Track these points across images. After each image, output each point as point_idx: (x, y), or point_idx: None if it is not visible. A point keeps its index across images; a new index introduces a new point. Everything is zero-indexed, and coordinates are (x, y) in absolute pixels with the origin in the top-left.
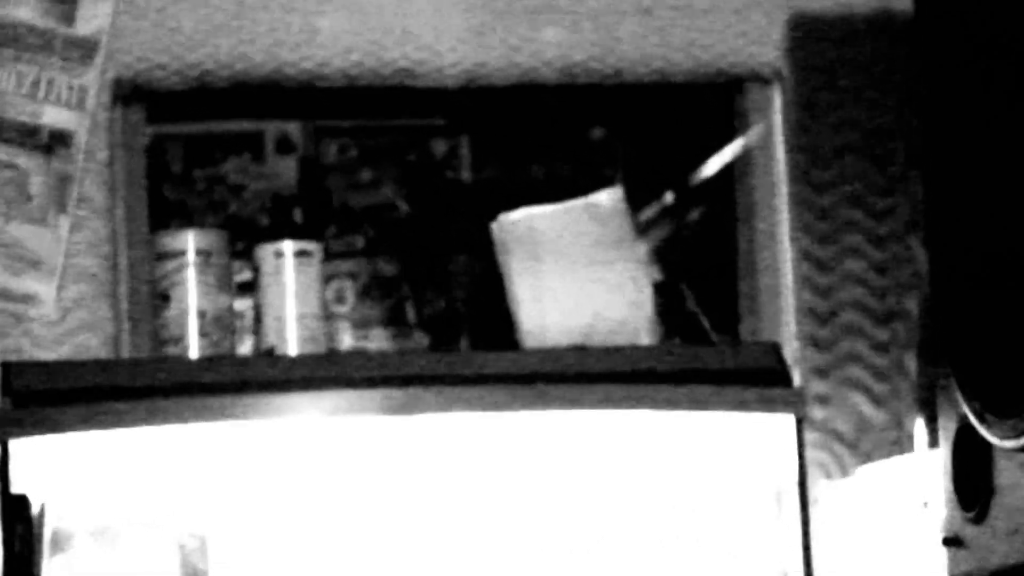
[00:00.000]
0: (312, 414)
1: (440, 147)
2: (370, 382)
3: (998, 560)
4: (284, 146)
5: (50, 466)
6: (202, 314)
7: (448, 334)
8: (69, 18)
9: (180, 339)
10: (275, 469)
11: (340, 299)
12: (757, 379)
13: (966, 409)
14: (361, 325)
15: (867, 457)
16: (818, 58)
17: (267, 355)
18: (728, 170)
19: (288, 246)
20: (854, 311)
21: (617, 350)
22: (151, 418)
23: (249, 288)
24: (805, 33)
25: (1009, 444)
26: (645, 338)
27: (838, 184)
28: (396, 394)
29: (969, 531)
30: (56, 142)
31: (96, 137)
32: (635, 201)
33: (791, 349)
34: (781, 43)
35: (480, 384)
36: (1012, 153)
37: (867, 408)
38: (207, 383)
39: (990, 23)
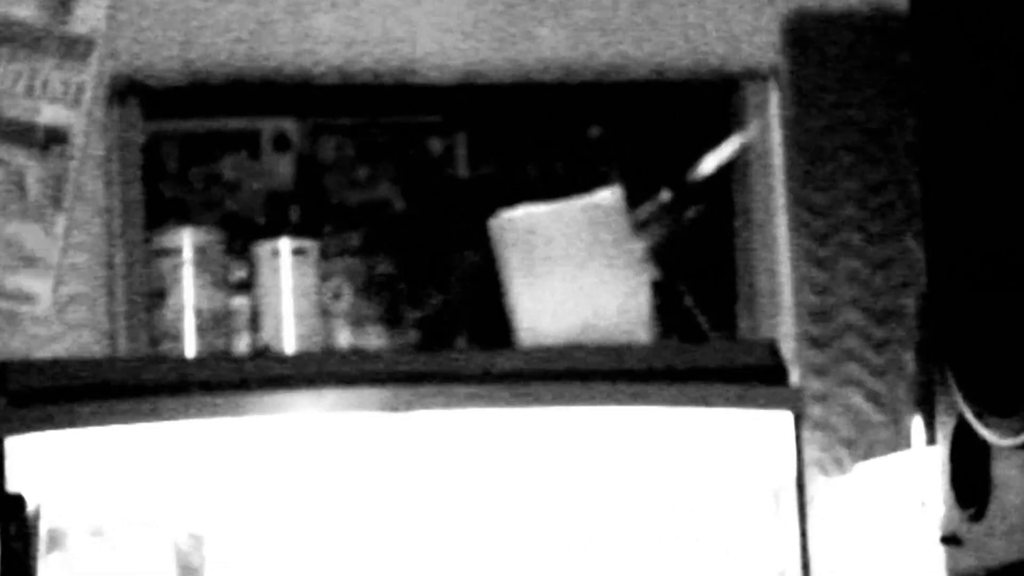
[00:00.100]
0: (308, 412)
1: (437, 145)
2: (366, 380)
3: (996, 558)
4: (281, 144)
5: (46, 465)
6: (199, 312)
7: (444, 332)
8: (65, 15)
9: (176, 337)
10: (271, 467)
11: (337, 297)
12: (755, 377)
13: (964, 407)
14: (358, 323)
15: (865, 455)
16: (815, 56)
17: (263, 353)
18: (725, 168)
19: (285, 244)
20: (852, 309)
21: (615, 348)
22: (147, 416)
23: (246, 286)
24: (802, 30)
25: (1007, 442)
26: (642, 336)
27: (835, 182)
28: (392, 392)
29: (967, 529)
30: (52, 140)
31: (92, 134)
32: (632, 199)
33: (789, 347)
34: (778, 41)
35: (476, 382)
36: (1009, 151)
37: (865, 406)
38: (203, 381)
39: (986, 20)
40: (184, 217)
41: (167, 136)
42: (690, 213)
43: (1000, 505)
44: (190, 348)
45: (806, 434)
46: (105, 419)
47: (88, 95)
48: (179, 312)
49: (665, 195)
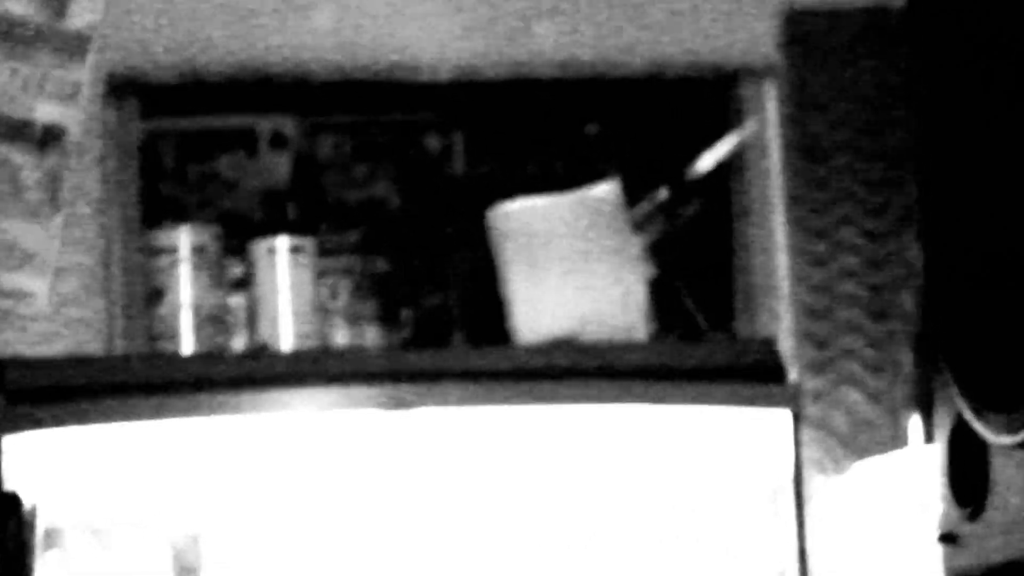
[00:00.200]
0: (306, 410)
1: (434, 143)
2: (363, 378)
3: (994, 557)
4: (278, 142)
5: (43, 463)
6: (196, 310)
7: (441, 330)
8: (61, 12)
9: (173, 335)
10: (269, 465)
11: (334, 295)
12: (752, 375)
13: (962, 405)
14: (354, 321)
15: (862, 453)
16: (813, 53)
17: (260, 351)
18: (723, 165)
19: (282, 242)
20: (849, 307)
21: (612, 346)
22: (144, 414)
23: (243, 284)
24: (800, 28)
25: (1005, 440)
26: (639, 331)
27: (833, 179)
28: (389, 390)
29: (965, 528)
30: (49, 137)
31: (89, 132)
32: (630, 197)
33: (786, 345)
34: (776, 38)
35: (473, 380)
36: (1006, 149)
37: (863, 404)
38: (200, 379)
39: (984, 17)
40: (181, 215)
41: (164, 134)
42: (688, 211)
43: (998, 503)
44: (187, 346)
45: (804, 432)
46: (102, 417)
47: (85, 93)
48: (176, 310)
49: (663, 193)
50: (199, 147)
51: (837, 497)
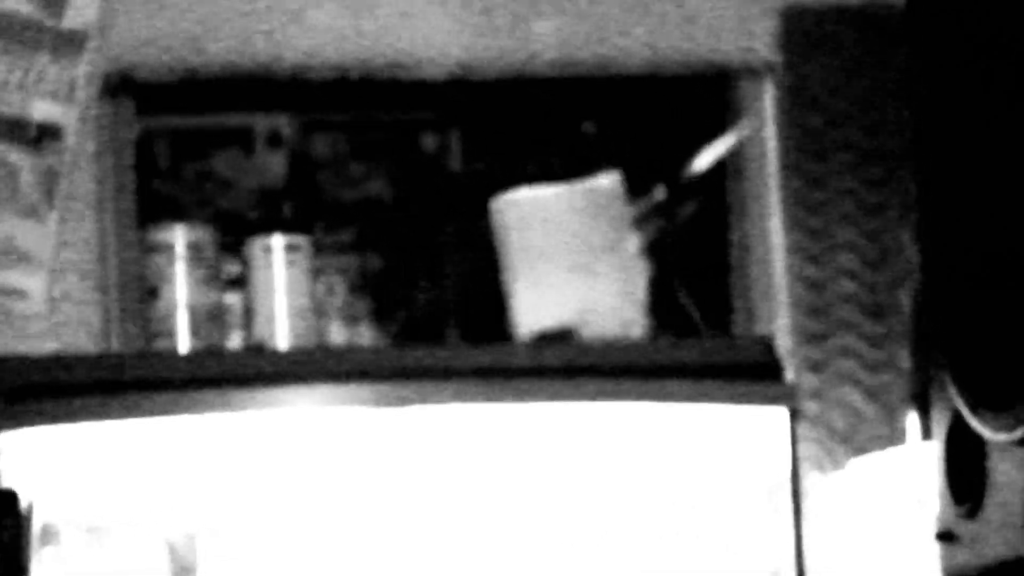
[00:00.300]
0: (302, 408)
1: (430, 141)
2: (359, 375)
3: (991, 555)
4: (274, 140)
5: (40, 461)
6: (191, 308)
7: (437, 328)
8: (58, 10)
9: (170, 333)
10: (265, 463)
11: (329, 293)
12: (750, 373)
13: (959, 402)
14: (350, 319)
15: (860, 451)
16: (811, 51)
17: (256, 349)
18: (721, 164)
19: (277, 240)
20: (847, 305)
21: (609, 343)
22: (141, 412)
23: (239, 282)
24: (798, 26)
25: (1002, 437)
26: (638, 326)
27: (830, 178)
28: (385, 387)
29: (962, 526)
30: (45, 136)
31: (85, 131)
32: (627, 195)
33: (784, 343)
34: (774, 36)
35: (469, 377)
36: (1004, 147)
37: (860, 402)
38: (196, 377)
39: (983, 16)
40: (177, 213)
41: (160, 132)
42: (685, 209)
43: (996, 501)
44: (183, 344)
45: (801, 430)
46: (98, 415)
47: (81, 90)
48: (172, 308)
49: (660, 191)
50: (195, 145)
51: (834, 494)
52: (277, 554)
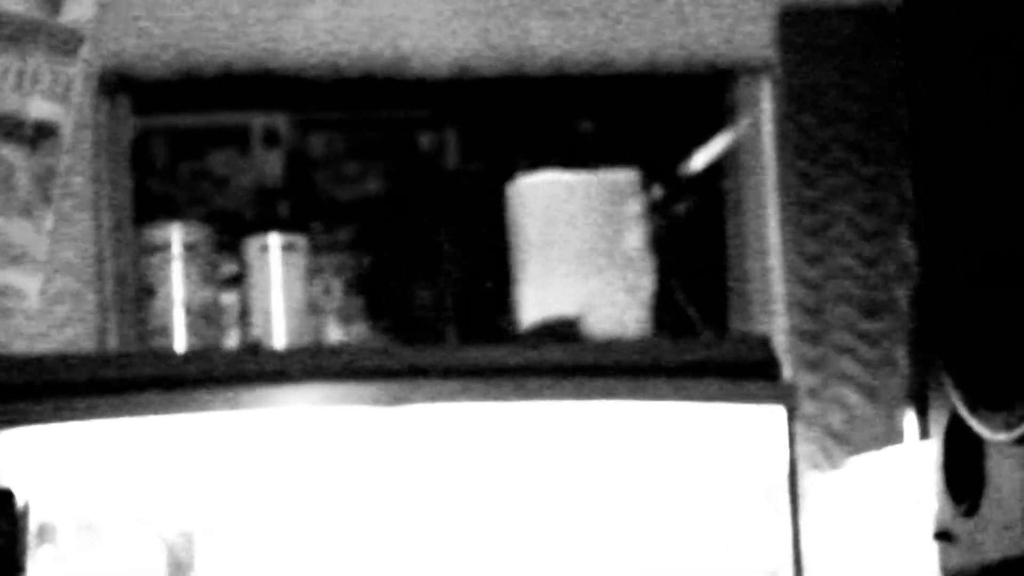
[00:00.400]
0: (298, 407)
1: (427, 140)
2: (356, 374)
3: (989, 554)
4: (270, 139)
5: (36, 459)
6: (188, 307)
7: (433, 326)
8: (55, 9)
9: (166, 332)
10: (262, 462)
11: (326, 292)
12: (747, 372)
13: (957, 402)
14: (347, 318)
15: (857, 450)
16: (808, 50)
17: (253, 348)
18: (717, 163)
19: (274, 239)
20: (844, 304)
21: (606, 342)
22: (137, 411)
23: (235, 281)
24: (796, 25)
25: (1000, 437)
26: (642, 323)
27: (827, 176)
28: (382, 386)
29: (960, 525)
30: (41, 134)
31: (81, 129)
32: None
33: (781, 342)
34: (771, 34)
35: (466, 376)
36: (1002, 146)
37: (857, 401)
38: (193, 376)
39: (979, 14)
40: (173, 212)
41: (156, 131)
42: (682, 207)
43: (994, 500)
44: (179, 343)
45: (799, 429)
46: (95, 414)
47: (77, 89)
48: (168, 307)
49: (657, 190)
50: (191, 144)
51: (832, 493)
52: (274, 553)
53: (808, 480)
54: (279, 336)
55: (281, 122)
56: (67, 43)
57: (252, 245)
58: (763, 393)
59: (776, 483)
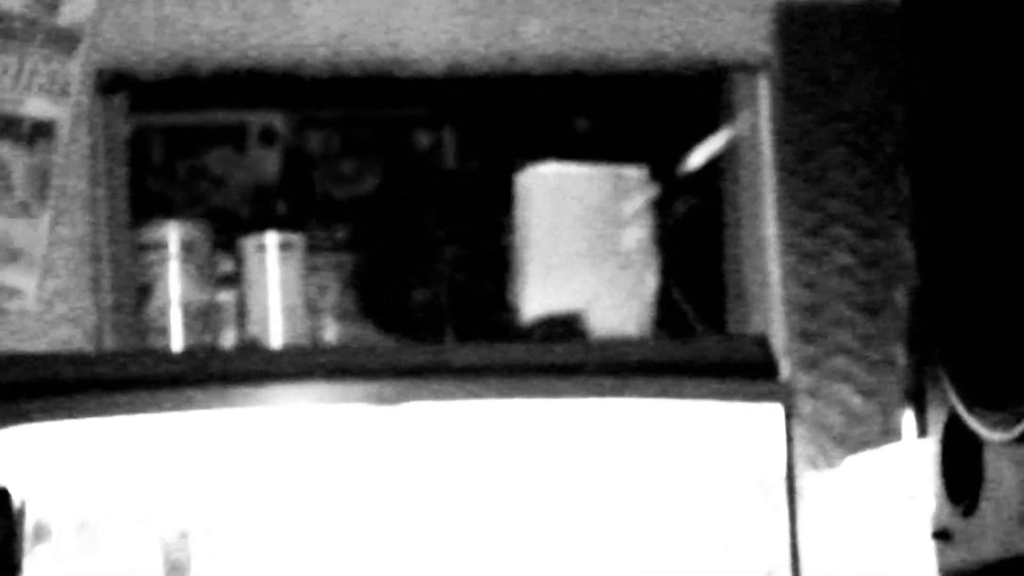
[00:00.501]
0: (296, 406)
1: (424, 138)
2: (354, 373)
3: (987, 554)
4: (267, 137)
5: (33, 459)
6: (185, 306)
7: (431, 325)
8: (53, 7)
9: (162, 331)
10: (259, 462)
11: (323, 291)
12: (745, 371)
13: (955, 401)
14: (344, 317)
15: (855, 449)
16: (806, 48)
17: (250, 347)
18: (715, 161)
19: (271, 238)
20: (842, 302)
21: (604, 341)
22: (133, 410)
23: (232, 280)
24: (793, 22)
25: (999, 436)
26: (644, 320)
27: (826, 175)
28: (380, 385)
29: (958, 524)
30: (38, 133)
31: (78, 128)
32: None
33: (778, 341)
34: (769, 32)
35: (464, 375)
36: (1000, 145)
37: (855, 400)
38: (190, 375)
39: (978, 13)
40: (170, 211)
41: (153, 129)
42: (679, 206)
43: (992, 500)
44: (176, 342)
45: (796, 428)
46: (91, 413)
47: (74, 88)
48: (165, 306)
49: (654, 188)
50: (188, 142)
51: (830, 492)
52: (271, 552)
53: (806, 479)
54: (276, 335)
55: (278, 121)
56: (65, 41)
57: (249, 244)
58: (760, 392)
59: (774, 482)
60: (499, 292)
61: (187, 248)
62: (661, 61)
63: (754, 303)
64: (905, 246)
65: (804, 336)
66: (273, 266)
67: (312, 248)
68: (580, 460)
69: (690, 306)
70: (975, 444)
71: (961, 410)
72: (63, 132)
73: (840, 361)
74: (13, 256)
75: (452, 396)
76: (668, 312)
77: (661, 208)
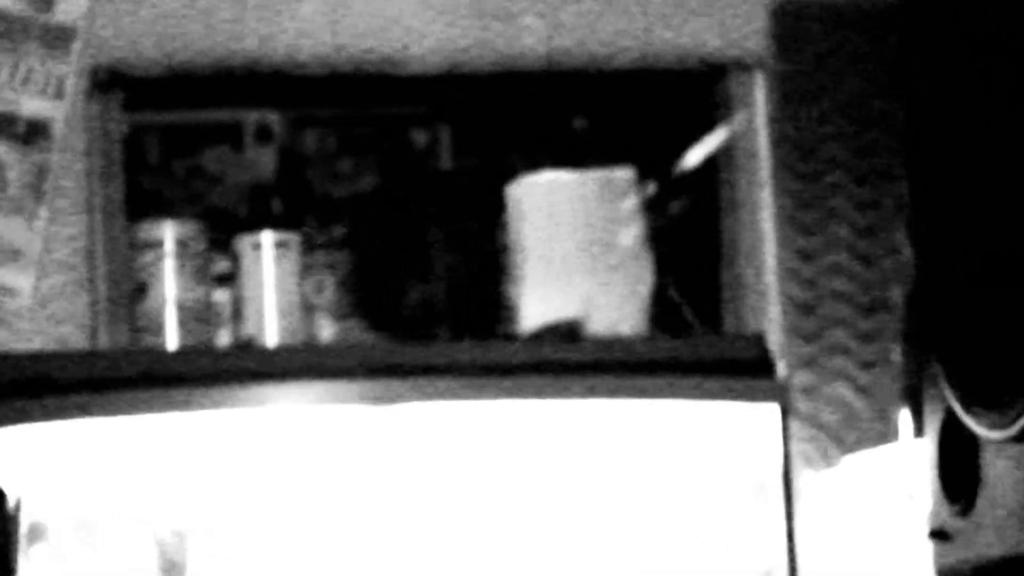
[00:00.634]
0: (292, 405)
1: (420, 137)
2: (350, 373)
3: (985, 553)
4: (263, 136)
5: (27, 459)
6: (180, 305)
7: (427, 325)
8: (47, 5)
9: (158, 330)
10: (254, 461)
11: (319, 290)
12: (742, 370)
13: (952, 400)
14: (340, 316)
15: (851, 448)
16: (802, 46)
17: (245, 346)
18: (711, 160)
19: (267, 237)
20: (839, 302)
21: (600, 341)
22: (129, 409)
23: (228, 279)
24: (789, 20)
25: (996, 435)
26: (640, 321)
27: (822, 174)
28: (376, 385)
29: (955, 524)
30: (33, 132)
31: (73, 127)
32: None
33: (775, 340)
34: (764, 30)
35: (461, 374)
36: (998, 144)
37: (852, 399)
38: (185, 374)
39: (976, 11)
40: (165, 210)
41: (148, 128)
42: (675, 206)
43: (989, 499)
44: (172, 341)
45: (793, 427)
46: (86, 412)
47: (70, 86)
48: (161, 305)
49: (650, 187)
50: (184, 141)
51: (827, 492)
52: (267, 552)
53: (802, 478)
54: (272, 334)
55: (274, 119)
56: (60, 40)
57: (245, 242)
58: (757, 391)
59: (770, 481)
60: (495, 291)
61: (183, 247)
62: (657, 60)
63: (750, 301)
64: (902, 245)
65: (801, 335)
66: (269, 265)
67: (308, 247)
68: (576, 460)
69: (687, 305)
70: (972, 443)
71: (958, 409)
72: (58, 131)
73: (837, 360)
74: (9, 255)
75: (448, 396)
76: (665, 311)
77: (657, 207)
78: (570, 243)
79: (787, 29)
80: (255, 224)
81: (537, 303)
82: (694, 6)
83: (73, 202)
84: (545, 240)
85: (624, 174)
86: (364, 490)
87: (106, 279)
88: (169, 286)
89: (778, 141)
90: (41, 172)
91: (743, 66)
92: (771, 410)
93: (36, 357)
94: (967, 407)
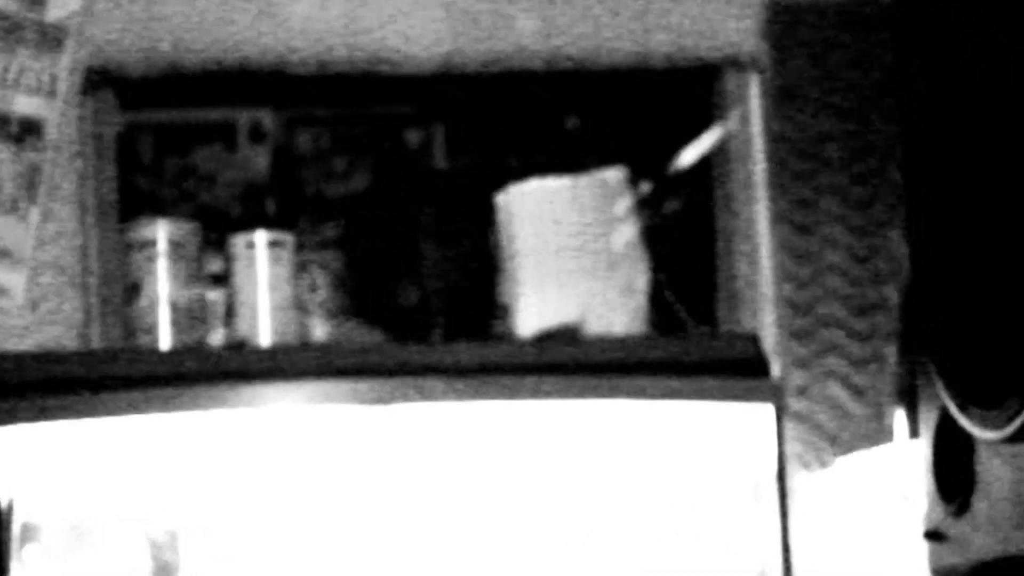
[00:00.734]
0: (285, 405)
1: (414, 136)
2: (343, 372)
3: (980, 554)
4: (256, 135)
5: (20, 458)
6: (173, 305)
7: (421, 325)
8: (40, 4)
9: (151, 330)
10: (248, 461)
11: (312, 289)
12: (736, 370)
13: (947, 400)
14: (333, 315)
15: (846, 448)
16: (797, 45)
17: (239, 346)
18: (706, 159)
19: (260, 236)
20: (833, 301)
21: (595, 341)
22: (122, 410)
23: (221, 279)
24: (784, 19)
25: (991, 435)
26: (640, 322)
27: (816, 173)
28: (369, 385)
29: (950, 524)
30: (26, 131)
31: (66, 126)
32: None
33: (770, 340)
34: (759, 29)
35: (454, 375)
36: (993, 143)
37: (847, 399)
38: (178, 374)
39: (970, 9)
40: (158, 209)
41: (142, 127)
42: (670, 205)
43: (984, 499)
44: (164, 341)
45: (787, 427)
46: (79, 413)
47: (63, 85)
48: (153, 305)
49: (644, 187)
50: (177, 140)
51: (821, 492)
52: (260, 553)
53: (797, 478)
54: (265, 333)
55: (267, 118)
56: (52, 39)
57: (238, 242)
58: (751, 391)
59: (765, 481)
60: (488, 290)
61: (176, 246)
62: (652, 59)
63: (745, 301)
64: (897, 245)
65: (795, 335)
66: (262, 264)
67: (302, 246)
68: (569, 460)
69: (681, 305)
70: (967, 443)
71: (953, 409)
72: (51, 130)
73: (832, 360)
74: (1, 255)
75: (442, 396)
76: (659, 311)
77: (652, 206)
78: (563, 248)
79: (782, 29)
80: (248, 223)
81: (533, 307)
82: (689, 6)
83: (66, 201)
84: (538, 247)
85: (615, 175)
86: (357, 490)
87: (99, 278)
88: (162, 286)
89: (773, 141)
90: (34, 171)
91: (738, 65)
92: (766, 410)
93: (28, 357)
94: (962, 407)
